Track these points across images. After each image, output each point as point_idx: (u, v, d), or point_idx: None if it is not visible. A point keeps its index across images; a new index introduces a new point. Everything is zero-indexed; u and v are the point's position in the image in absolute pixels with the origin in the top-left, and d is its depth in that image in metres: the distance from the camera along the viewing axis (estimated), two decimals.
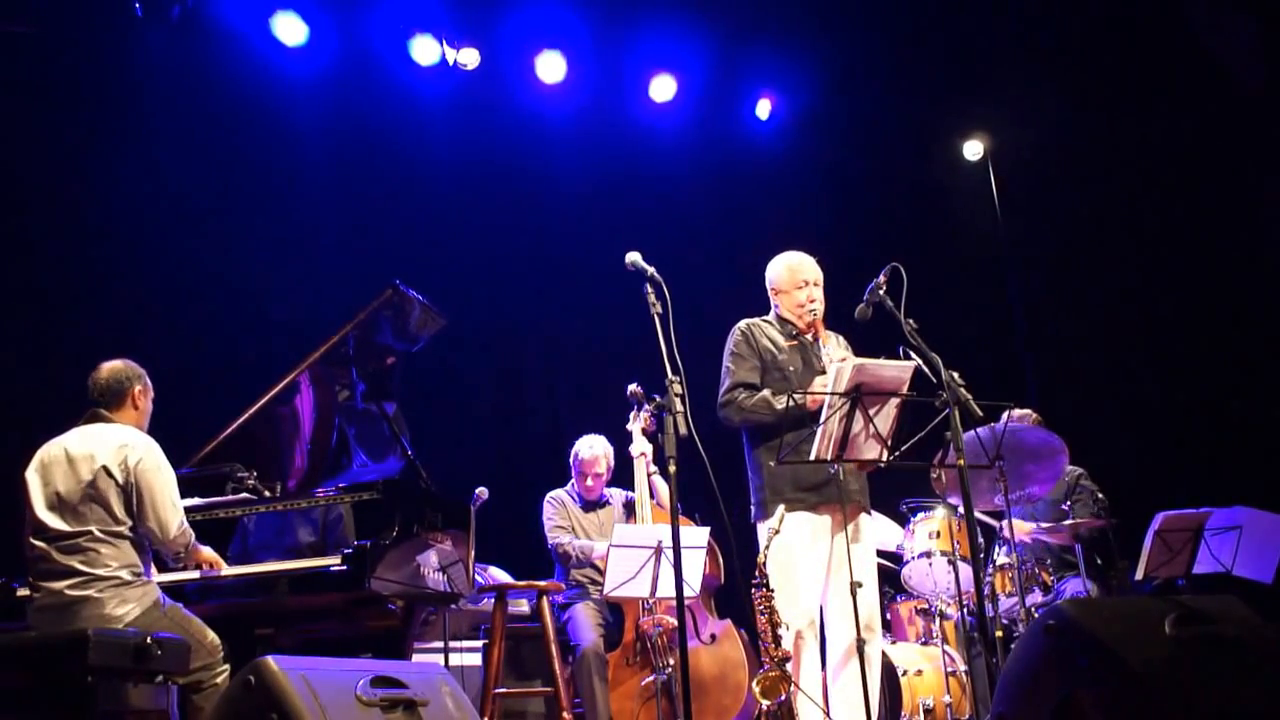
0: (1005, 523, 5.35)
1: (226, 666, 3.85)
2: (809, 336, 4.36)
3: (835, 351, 4.30)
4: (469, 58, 7.16)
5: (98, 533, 3.71)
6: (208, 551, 4.12)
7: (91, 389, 3.96)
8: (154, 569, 4.11)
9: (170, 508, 3.86)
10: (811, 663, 4.06)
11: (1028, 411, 5.61)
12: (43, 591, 3.70)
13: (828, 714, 4.02)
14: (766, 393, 4.20)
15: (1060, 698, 2.56)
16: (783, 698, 3.87)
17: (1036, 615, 4.12)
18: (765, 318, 4.45)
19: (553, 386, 7.65)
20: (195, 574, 4.16)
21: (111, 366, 4.01)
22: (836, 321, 4.48)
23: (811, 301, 4.33)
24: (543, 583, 4.96)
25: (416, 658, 4.82)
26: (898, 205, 7.97)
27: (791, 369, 4.26)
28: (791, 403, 3.90)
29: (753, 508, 4.30)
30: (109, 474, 3.76)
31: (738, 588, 4.30)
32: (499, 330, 7.47)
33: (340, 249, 6.97)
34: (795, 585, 4.05)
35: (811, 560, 4.11)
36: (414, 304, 4.73)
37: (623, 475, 5.52)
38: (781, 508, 4.03)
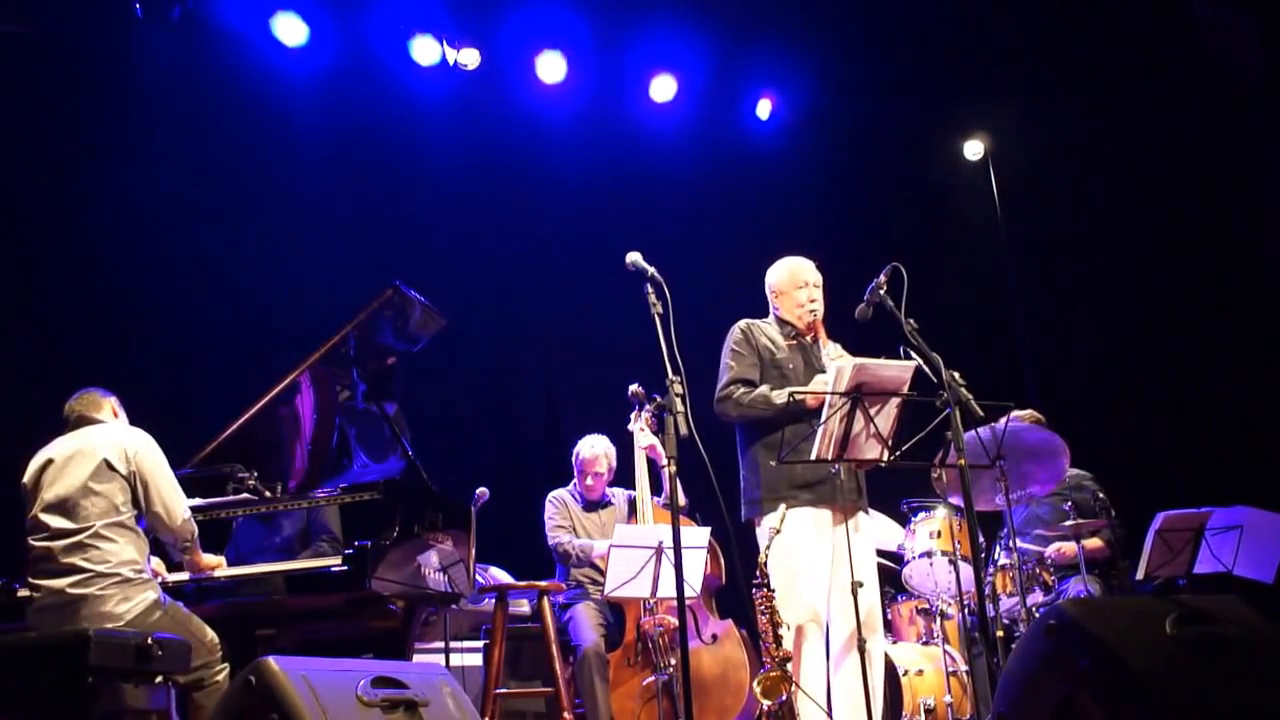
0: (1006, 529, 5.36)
1: (226, 665, 3.86)
2: (809, 339, 4.38)
3: (835, 354, 4.32)
4: (469, 58, 7.16)
5: (100, 528, 3.72)
6: (209, 557, 4.13)
7: (69, 411, 3.99)
8: (159, 565, 4.13)
9: (174, 493, 3.90)
10: (816, 659, 4.07)
11: (1029, 412, 5.61)
12: (43, 591, 3.70)
13: (829, 714, 4.02)
14: (765, 388, 4.22)
15: (1061, 698, 2.56)
16: (784, 698, 3.87)
17: (1037, 615, 4.12)
18: (765, 319, 4.49)
19: (553, 386, 7.64)
20: (199, 575, 4.16)
21: (85, 390, 4.06)
22: (836, 322, 4.49)
23: (812, 302, 4.38)
24: (543, 583, 4.96)
25: (417, 658, 4.82)
26: (898, 205, 7.97)
27: (791, 367, 4.29)
28: (792, 400, 3.91)
29: (744, 506, 4.31)
30: (111, 466, 3.79)
31: (738, 588, 4.31)
32: (499, 330, 7.46)
33: (340, 249, 6.97)
34: (799, 580, 4.06)
35: (815, 555, 4.12)
36: (414, 304, 4.73)
37: (625, 477, 5.52)
38: (783, 506, 4.03)
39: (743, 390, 4.24)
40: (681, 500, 3.60)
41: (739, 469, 4.36)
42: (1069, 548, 5.36)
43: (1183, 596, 3.11)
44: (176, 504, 3.90)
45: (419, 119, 7.25)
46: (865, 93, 7.87)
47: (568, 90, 7.52)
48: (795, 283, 4.41)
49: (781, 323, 4.45)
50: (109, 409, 4.04)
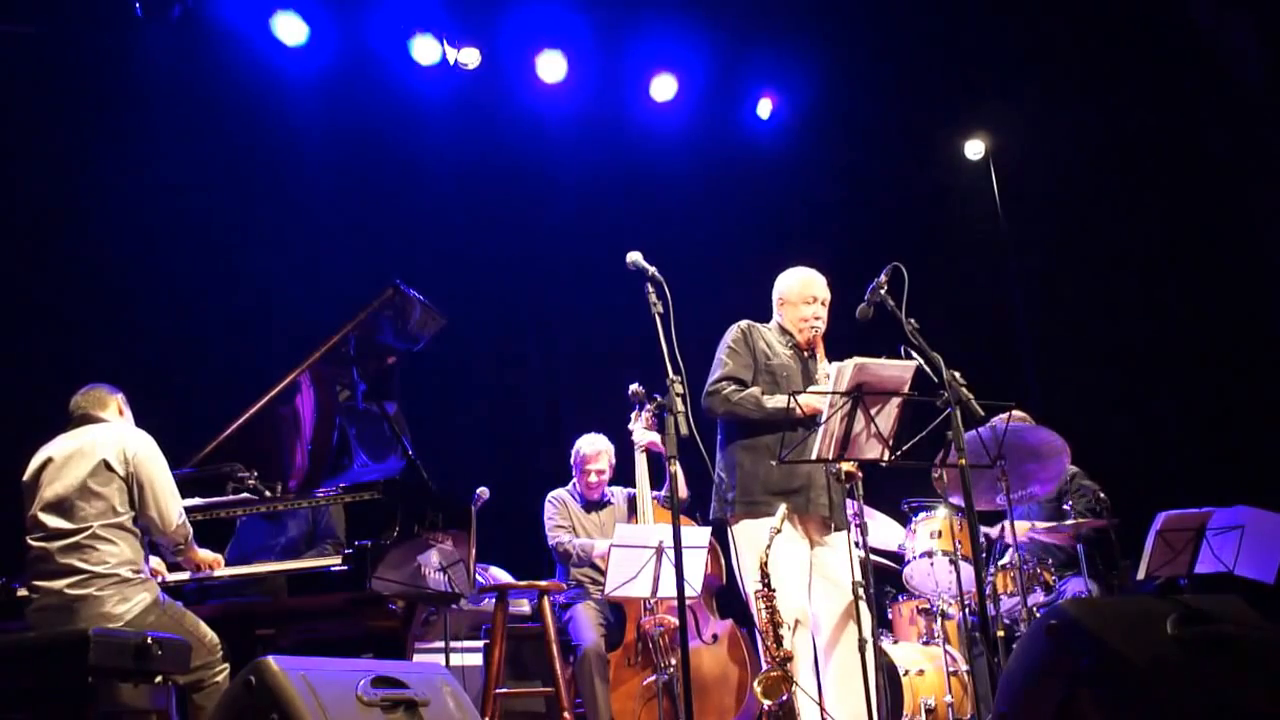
0: (1002, 525, 5.36)
1: (226, 665, 3.85)
2: (806, 352, 4.40)
3: (831, 369, 4.33)
4: (470, 57, 7.15)
5: (98, 529, 3.72)
6: (205, 553, 4.13)
7: (75, 407, 3.99)
8: (159, 564, 4.12)
9: (170, 498, 3.89)
10: (803, 658, 4.09)
11: (1016, 412, 5.59)
12: (41, 592, 3.70)
13: (823, 711, 4.02)
14: (756, 390, 4.22)
15: (1062, 698, 2.55)
16: (784, 697, 3.88)
17: (1038, 615, 4.11)
18: (767, 324, 4.51)
19: (553, 386, 7.64)
20: (198, 575, 4.16)
21: (92, 386, 4.06)
22: (837, 321, 4.49)
23: (816, 319, 4.40)
24: (544, 583, 4.96)
25: (417, 658, 4.81)
26: (898, 205, 7.96)
27: (785, 375, 4.30)
28: (792, 404, 3.91)
29: (715, 503, 4.31)
30: (109, 467, 3.78)
31: (738, 587, 4.31)
32: (499, 330, 7.46)
33: (340, 249, 6.97)
34: (783, 582, 4.07)
35: (795, 560, 4.14)
36: (415, 304, 4.73)
37: (625, 477, 5.52)
38: (783, 507, 4.04)
39: (733, 388, 4.24)
40: (684, 493, 3.59)
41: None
42: (1023, 525, 5.35)
43: (1184, 596, 3.11)
44: (171, 509, 3.88)
45: (419, 119, 7.24)
46: (866, 93, 7.87)
47: (568, 90, 7.52)
48: (804, 296, 4.42)
49: (782, 330, 4.47)
50: (114, 407, 4.03)
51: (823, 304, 4.42)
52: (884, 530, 5.80)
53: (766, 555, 4.00)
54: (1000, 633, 4.99)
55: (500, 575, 5.64)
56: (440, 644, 5.14)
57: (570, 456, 5.59)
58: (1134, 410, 7.45)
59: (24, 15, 6.29)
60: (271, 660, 2.40)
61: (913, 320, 3.87)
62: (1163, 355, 7.52)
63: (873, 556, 5.15)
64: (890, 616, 5.79)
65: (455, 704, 2.71)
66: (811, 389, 4.17)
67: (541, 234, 7.50)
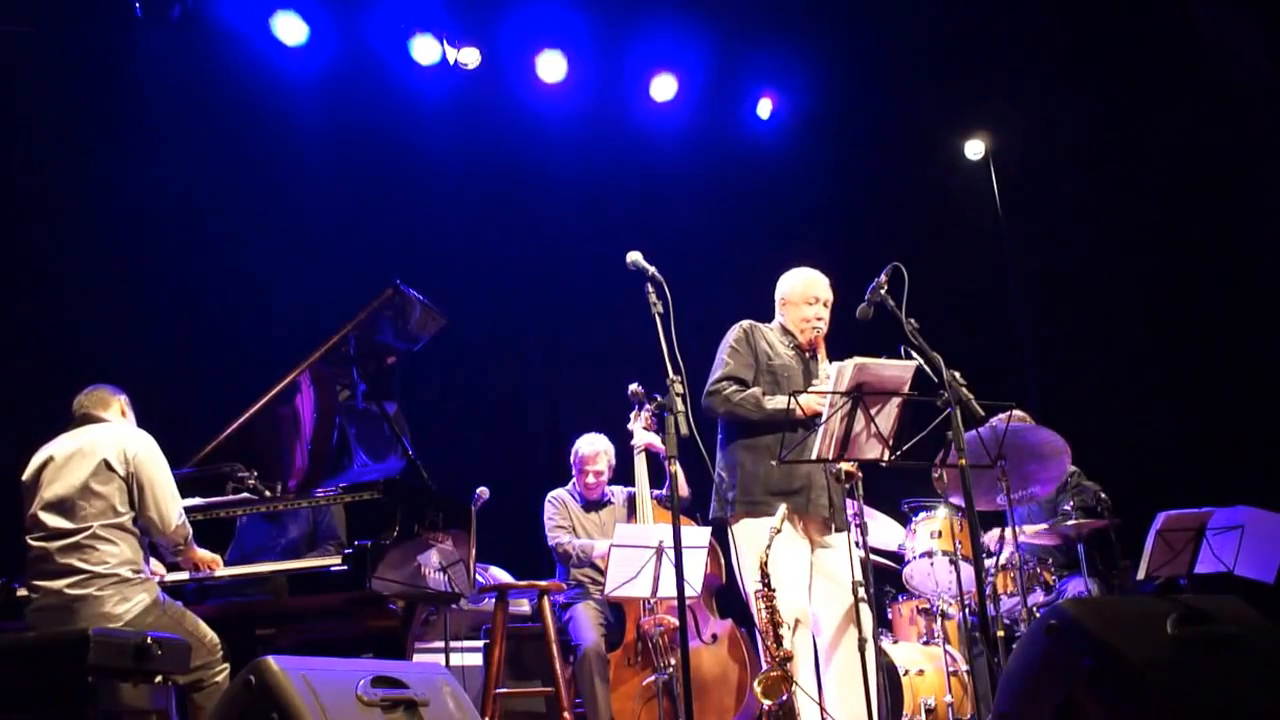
0: (999, 530, 5.36)
1: (226, 665, 3.86)
2: (807, 353, 4.40)
3: (831, 369, 4.33)
4: (469, 57, 7.15)
5: (98, 529, 3.72)
6: (204, 553, 4.13)
7: (77, 407, 4.00)
8: (158, 566, 4.12)
9: (170, 499, 3.89)
10: (803, 657, 4.09)
11: (1016, 412, 5.60)
12: (41, 591, 3.70)
13: (822, 710, 4.02)
14: (756, 390, 4.22)
15: (1062, 697, 2.55)
16: (784, 697, 3.88)
17: (1038, 615, 4.11)
18: (769, 324, 4.51)
19: (553, 386, 7.65)
20: (198, 575, 4.16)
21: (95, 387, 4.07)
22: (837, 320, 4.49)
23: (818, 319, 4.40)
24: (544, 583, 4.96)
25: (417, 658, 4.81)
26: (898, 205, 7.96)
27: (786, 376, 4.30)
28: (793, 404, 3.91)
29: (715, 503, 4.31)
30: (110, 467, 3.78)
31: (738, 587, 4.31)
32: (499, 330, 7.46)
33: (340, 249, 6.97)
34: (783, 582, 4.07)
35: (795, 559, 4.14)
36: (414, 304, 4.73)
37: (625, 477, 5.52)
38: (783, 507, 4.04)
39: (734, 388, 4.24)
40: (684, 491, 3.59)
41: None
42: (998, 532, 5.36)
43: (1184, 596, 3.11)
44: (171, 510, 3.88)
45: (419, 119, 7.25)
46: (866, 92, 7.87)
47: (568, 90, 7.52)
48: (805, 297, 4.43)
49: (784, 330, 4.47)
50: (117, 407, 4.03)
51: (825, 305, 4.43)
52: (884, 530, 5.80)
53: (766, 555, 4.00)
54: (1000, 633, 4.99)
55: (500, 575, 5.65)
56: (440, 644, 5.15)
57: (570, 456, 5.59)
58: (1134, 410, 7.45)
59: (24, 15, 6.29)
60: (271, 660, 2.40)
61: (913, 320, 3.87)
62: (1163, 355, 7.51)
63: (873, 556, 5.15)
64: (890, 616, 5.79)
65: (455, 704, 2.71)
66: (812, 389, 4.17)
67: (541, 234, 7.50)
